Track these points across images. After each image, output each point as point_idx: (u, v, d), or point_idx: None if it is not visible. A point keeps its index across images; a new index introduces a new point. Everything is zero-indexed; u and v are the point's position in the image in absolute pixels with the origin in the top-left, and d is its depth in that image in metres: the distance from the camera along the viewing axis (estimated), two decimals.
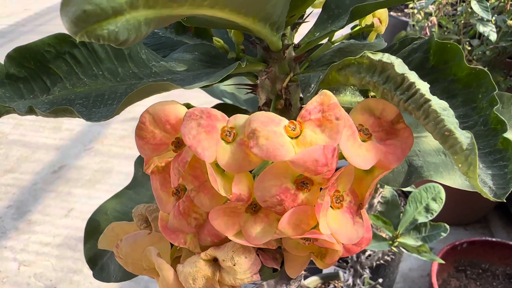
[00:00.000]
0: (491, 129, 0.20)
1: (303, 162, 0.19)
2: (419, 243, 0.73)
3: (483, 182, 0.18)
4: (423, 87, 0.19)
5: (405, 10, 1.67)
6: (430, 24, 1.02)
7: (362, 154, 0.20)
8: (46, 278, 1.18)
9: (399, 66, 0.20)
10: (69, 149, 1.64)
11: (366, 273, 0.83)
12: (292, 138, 0.20)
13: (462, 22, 1.14)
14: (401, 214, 0.76)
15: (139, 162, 0.33)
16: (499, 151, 0.19)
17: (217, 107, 0.31)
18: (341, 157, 0.21)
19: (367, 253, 0.82)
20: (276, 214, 0.21)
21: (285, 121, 0.20)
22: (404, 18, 1.63)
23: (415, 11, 1.25)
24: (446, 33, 1.13)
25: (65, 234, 1.31)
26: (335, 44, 0.30)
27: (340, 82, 0.22)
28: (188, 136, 0.20)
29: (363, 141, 0.21)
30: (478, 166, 0.18)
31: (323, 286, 0.96)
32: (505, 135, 0.19)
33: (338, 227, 0.20)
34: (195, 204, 0.22)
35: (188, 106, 0.22)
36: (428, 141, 0.28)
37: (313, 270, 0.93)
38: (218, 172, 0.21)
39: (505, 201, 0.18)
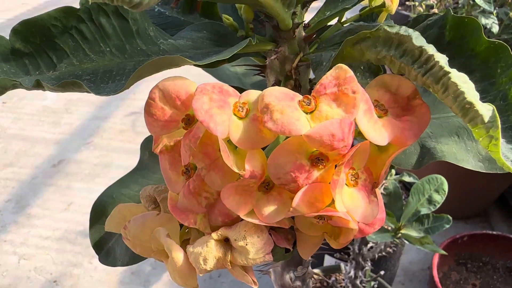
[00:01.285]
0: (510, 104, 0.19)
1: (319, 136, 0.18)
2: (422, 234, 0.72)
3: (505, 156, 0.18)
4: (442, 59, 0.19)
5: (406, 3, 1.66)
6: None
7: (378, 130, 0.19)
8: (46, 271, 1.18)
9: (417, 39, 0.19)
10: (69, 143, 1.64)
11: (368, 266, 0.83)
12: (307, 113, 0.19)
13: (464, 14, 1.14)
14: (404, 206, 0.75)
15: (146, 145, 0.32)
16: None
17: None
18: (356, 135, 0.21)
19: (369, 245, 0.82)
20: (289, 193, 0.21)
21: (299, 96, 0.20)
22: (404, 12, 1.62)
23: (416, 3, 1.24)
24: None
25: (65, 227, 1.31)
26: (345, 26, 0.30)
27: (355, 57, 0.21)
28: (200, 110, 0.19)
29: (379, 117, 0.20)
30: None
31: (325, 278, 0.96)
32: None
33: (353, 204, 0.20)
34: (205, 183, 0.21)
35: None
36: (441, 123, 0.27)
37: (313, 265, 0.92)
38: (230, 149, 0.20)
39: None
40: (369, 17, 0.32)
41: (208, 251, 0.21)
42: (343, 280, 0.92)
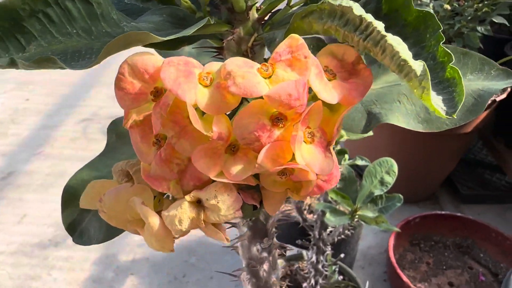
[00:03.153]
0: (439, 63, 0.22)
1: (278, 96, 0.21)
2: (377, 214, 0.77)
3: (436, 104, 0.21)
4: (379, 25, 0.21)
5: None
6: None
7: (329, 90, 0.22)
8: (3, 287, 1.13)
9: (357, 9, 0.22)
10: (17, 154, 1.58)
11: (328, 250, 0.86)
12: (265, 78, 0.22)
13: None
14: (358, 189, 0.80)
15: (112, 128, 0.33)
16: (447, 80, 0.22)
17: None
18: (310, 99, 0.23)
19: (328, 230, 0.86)
20: (254, 153, 0.23)
21: (257, 64, 0.22)
22: None
23: None
24: None
25: (20, 241, 1.27)
26: (293, 9, 0.32)
27: (304, 29, 0.24)
28: (168, 80, 0.21)
29: (329, 80, 0.23)
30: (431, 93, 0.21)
31: (288, 267, 0.99)
32: (451, 64, 0.21)
33: (311, 158, 0.22)
34: (176, 151, 0.23)
35: None
36: (384, 92, 0.30)
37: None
38: (198, 115, 0.22)
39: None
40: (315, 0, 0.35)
41: (183, 212, 0.23)
42: (306, 267, 0.95)
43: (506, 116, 1.23)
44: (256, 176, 0.24)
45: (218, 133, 0.21)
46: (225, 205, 0.23)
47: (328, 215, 0.75)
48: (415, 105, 0.29)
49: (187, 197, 0.23)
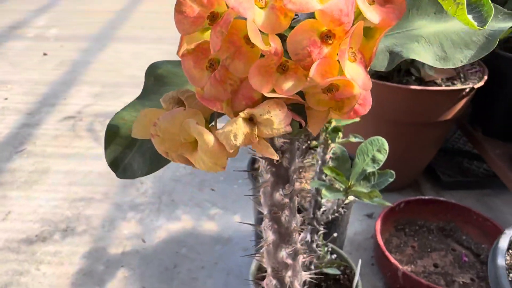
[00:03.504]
0: None
1: (330, 10, 0.23)
2: (370, 190, 0.80)
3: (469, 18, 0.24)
4: None
5: None
6: None
7: (372, 10, 0.25)
8: None
9: None
10: None
11: (322, 229, 0.89)
12: None
13: None
14: (352, 167, 0.83)
15: (150, 72, 0.35)
16: (475, 2, 0.25)
17: None
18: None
19: (322, 210, 0.89)
20: (302, 71, 0.25)
21: None
22: None
23: None
24: None
25: (5, 237, 1.25)
26: None
27: None
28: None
29: (369, 4, 0.25)
30: None
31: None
32: None
33: (355, 73, 0.25)
34: (229, 72, 0.25)
35: None
36: (404, 35, 0.33)
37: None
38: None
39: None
40: None
41: (238, 128, 0.25)
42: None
43: (482, 105, 1.29)
44: (302, 97, 0.27)
45: (274, 48, 0.24)
46: (277, 118, 0.25)
47: (324, 191, 0.78)
48: (432, 45, 0.32)
49: (242, 114, 0.25)
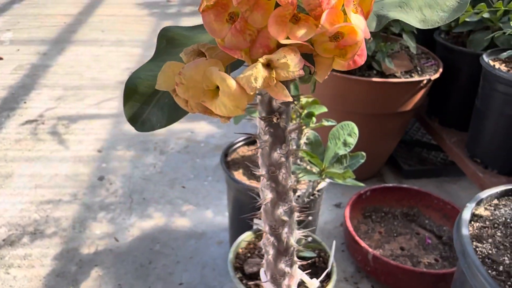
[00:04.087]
0: None
1: None
2: (343, 170, 0.84)
3: None
4: None
5: None
6: None
7: None
8: None
9: None
10: None
11: (298, 213, 0.93)
12: None
13: None
14: (325, 151, 0.87)
15: (163, 34, 0.37)
16: None
17: None
18: None
19: (297, 194, 0.92)
20: (313, 21, 0.29)
21: None
22: None
23: None
24: None
25: None
26: None
27: None
28: None
29: None
30: None
31: (258, 239, 1.04)
32: None
33: (358, 21, 0.29)
34: (248, 23, 0.28)
35: None
36: (390, 2, 0.38)
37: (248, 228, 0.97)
38: None
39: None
40: None
41: (257, 72, 0.28)
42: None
43: (438, 97, 1.38)
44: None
45: None
46: (293, 62, 0.28)
47: (300, 174, 0.82)
48: (413, 10, 0.37)
49: (261, 59, 0.29)
